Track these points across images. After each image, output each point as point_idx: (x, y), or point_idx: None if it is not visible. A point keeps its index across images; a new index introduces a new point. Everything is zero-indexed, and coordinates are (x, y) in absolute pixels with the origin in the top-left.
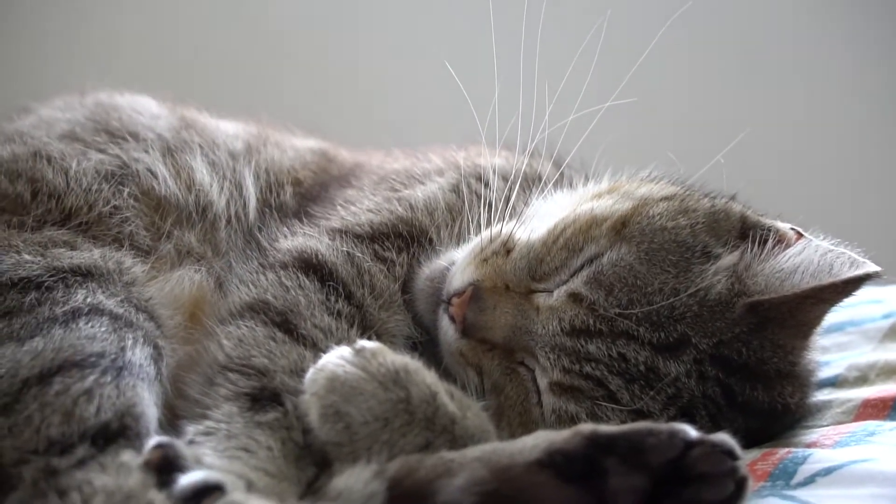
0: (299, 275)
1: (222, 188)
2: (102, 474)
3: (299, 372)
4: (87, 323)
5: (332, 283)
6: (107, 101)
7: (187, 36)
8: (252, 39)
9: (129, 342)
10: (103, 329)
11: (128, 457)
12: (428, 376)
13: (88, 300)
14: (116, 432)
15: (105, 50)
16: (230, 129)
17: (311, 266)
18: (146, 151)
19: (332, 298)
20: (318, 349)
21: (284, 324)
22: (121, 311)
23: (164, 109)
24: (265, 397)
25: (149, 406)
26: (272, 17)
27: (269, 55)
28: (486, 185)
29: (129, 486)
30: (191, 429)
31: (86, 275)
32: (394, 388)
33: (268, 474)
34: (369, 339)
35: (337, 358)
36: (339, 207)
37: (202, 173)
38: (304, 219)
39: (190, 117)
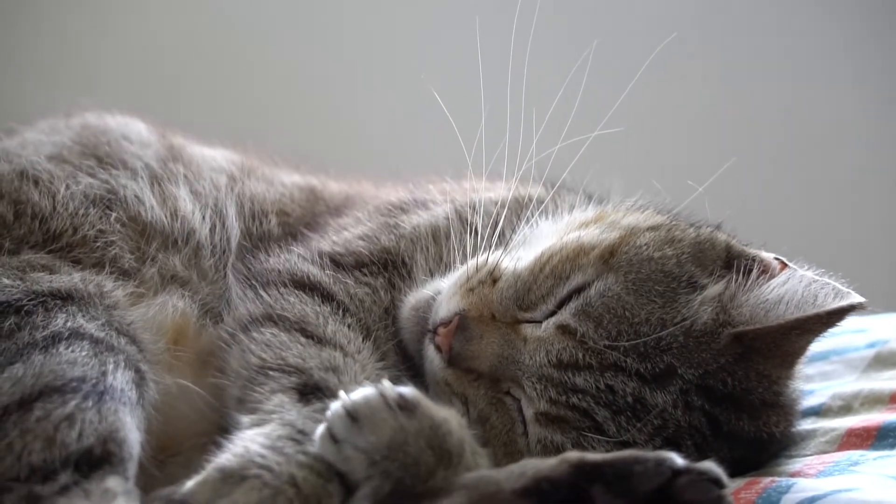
0: (297, 292)
1: (205, 217)
2: (86, 501)
3: (333, 369)
4: (67, 347)
5: (333, 302)
6: (95, 123)
7: (173, 61)
8: (236, 67)
9: (111, 366)
10: (84, 353)
11: (113, 483)
12: (465, 433)
13: (69, 324)
14: (100, 458)
15: (89, 71)
16: (216, 160)
17: (305, 285)
18: (134, 179)
19: (340, 312)
20: (344, 351)
21: (304, 331)
22: (102, 334)
23: (153, 136)
24: (309, 392)
25: (131, 431)
26: (257, 42)
27: (255, 82)
28: (477, 215)
29: None
30: (245, 419)
31: (66, 298)
32: (432, 448)
33: (313, 472)
34: (382, 358)
35: (376, 400)
36: (330, 232)
37: (186, 202)
38: (292, 242)
39: (177, 147)
